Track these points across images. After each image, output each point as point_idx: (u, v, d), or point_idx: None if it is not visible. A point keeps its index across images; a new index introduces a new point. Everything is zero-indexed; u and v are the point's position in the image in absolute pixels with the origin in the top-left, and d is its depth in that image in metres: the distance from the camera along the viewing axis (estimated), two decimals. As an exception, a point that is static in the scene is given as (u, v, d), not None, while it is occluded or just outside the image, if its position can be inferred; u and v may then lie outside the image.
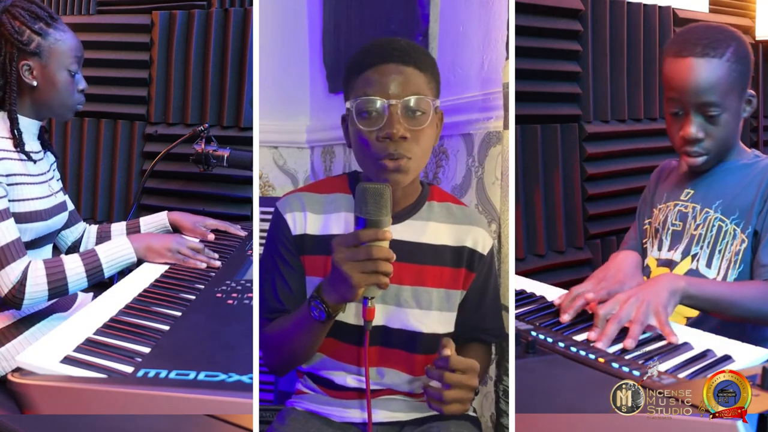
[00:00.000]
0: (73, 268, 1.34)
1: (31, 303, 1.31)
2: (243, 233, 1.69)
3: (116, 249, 1.42)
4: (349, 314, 1.08)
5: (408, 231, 1.12)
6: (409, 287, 1.10)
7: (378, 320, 1.09)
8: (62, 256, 1.37)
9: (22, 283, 1.28)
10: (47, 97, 1.43)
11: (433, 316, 1.11)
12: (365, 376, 1.03)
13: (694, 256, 1.30)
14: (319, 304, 0.99)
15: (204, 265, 1.45)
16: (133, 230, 1.66)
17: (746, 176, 1.29)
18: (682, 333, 1.08)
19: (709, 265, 1.28)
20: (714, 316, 1.19)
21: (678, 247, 1.33)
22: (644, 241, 1.44)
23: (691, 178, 1.37)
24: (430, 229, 1.13)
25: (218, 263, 1.48)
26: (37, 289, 1.30)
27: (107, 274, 1.41)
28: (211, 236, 1.66)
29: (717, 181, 1.32)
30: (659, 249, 1.37)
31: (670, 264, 1.34)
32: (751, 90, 1.30)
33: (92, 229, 1.66)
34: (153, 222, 1.66)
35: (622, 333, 1.07)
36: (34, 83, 1.40)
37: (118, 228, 1.66)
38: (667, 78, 1.28)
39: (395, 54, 1.05)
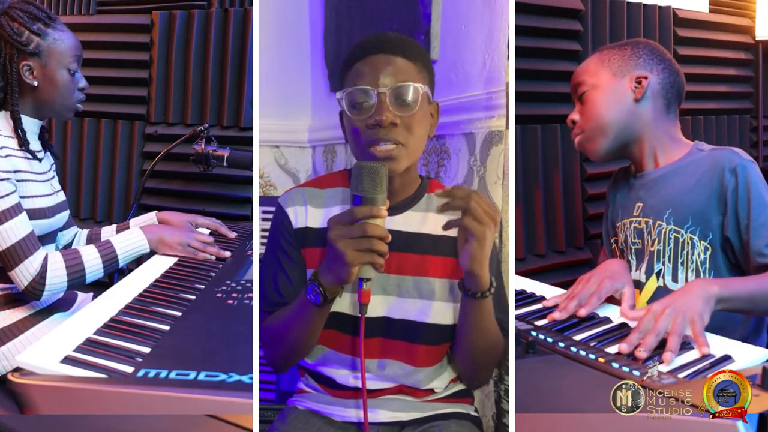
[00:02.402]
0: (91, 259, 1.38)
1: (51, 294, 1.35)
2: (232, 234, 1.68)
3: (130, 239, 1.46)
4: (348, 305, 1.09)
5: (408, 222, 1.12)
6: (411, 277, 1.10)
7: (379, 311, 1.10)
8: (78, 246, 1.39)
9: (41, 275, 1.32)
10: (48, 96, 1.43)
11: (435, 306, 1.11)
12: (361, 364, 1.03)
13: (658, 274, 1.28)
14: (316, 287, 1.01)
15: (214, 257, 1.49)
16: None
17: (691, 177, 1.26)
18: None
19: (675, 279, 1.26)
20: (746, 314, 1.18)
21: (641, 267, 1.31)
22: None
23: (639, 189, 1.34)
24: (430, 220, 1.13)
25: (228, 253, 1.51)
26: (57, 280, 1.33)
27: (122, 263, 1.45)
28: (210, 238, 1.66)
29: (663, 187, 1.30)
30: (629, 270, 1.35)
31: (638, 285, 1.31)
32: (641, 72, 1.30)
33: (83, 234, 1.66)
34: (142, 222, 1.66)
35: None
36: (35, 83, 1.41)
37: (108, 231, 1.66)
38: None
39: (384, 45, 1.08)
